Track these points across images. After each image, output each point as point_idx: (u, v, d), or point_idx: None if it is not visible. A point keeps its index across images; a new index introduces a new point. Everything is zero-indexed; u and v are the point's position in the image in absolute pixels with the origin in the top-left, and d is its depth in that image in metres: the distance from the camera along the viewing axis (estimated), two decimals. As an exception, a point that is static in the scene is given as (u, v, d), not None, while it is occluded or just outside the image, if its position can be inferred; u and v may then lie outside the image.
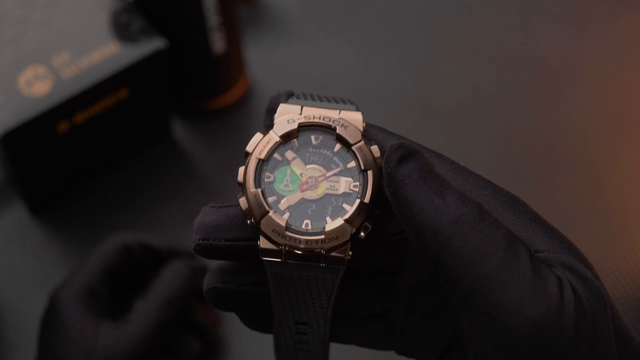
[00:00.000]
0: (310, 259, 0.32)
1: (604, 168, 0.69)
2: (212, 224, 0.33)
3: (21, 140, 0.60)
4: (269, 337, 0.61)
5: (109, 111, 0.64)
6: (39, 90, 0.61)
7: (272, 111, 0.34)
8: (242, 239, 0.33)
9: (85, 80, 0.61)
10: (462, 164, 0.33)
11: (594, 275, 0.30)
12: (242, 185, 0.32)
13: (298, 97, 0.34)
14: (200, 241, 0.33)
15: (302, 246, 0.31)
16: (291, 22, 0.78)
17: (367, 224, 0.32)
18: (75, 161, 0.67)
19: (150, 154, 0.70)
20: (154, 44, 0.63)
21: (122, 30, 0.63)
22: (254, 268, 0.34)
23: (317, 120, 0.33)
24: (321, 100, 0.34)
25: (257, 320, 0.37)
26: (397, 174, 0.30)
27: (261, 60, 0.75)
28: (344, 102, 0.34)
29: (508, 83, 0.74)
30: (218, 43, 0.67)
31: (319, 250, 0.31)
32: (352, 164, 0.33)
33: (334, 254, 0.32)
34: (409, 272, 0.34)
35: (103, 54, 0.62)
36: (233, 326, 0.62)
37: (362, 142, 0.32)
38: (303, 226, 0.32)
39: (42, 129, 0.61)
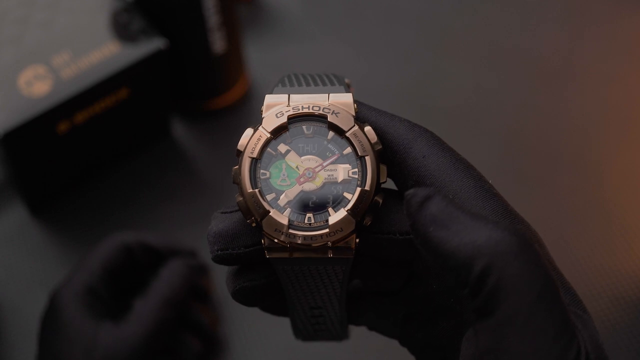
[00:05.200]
0: (318, 252, 0.31)
1: (604, 168, 0.69)
2: (228, 232, 0.32)
3: (21, 140, 0.60)
4: (269, 338, 0.61)
5: (109, 111, 0.64)
6: (39, 90, 0.61)
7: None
8: (260, 243, 0.32)
9: (85, 80, 0.61)
10: (490, 181, 0.32)
11: (589, 317, 0.30)
12: (239, 186, 0.32)
13: (284, 84, 0.33)
14: (219, 252, 0.32)
15: (302, 242, 0.31)
16: (291, 22, 0.78)
17: (371, 210, 0.31)
18: (75, 161, 0.67)
19: (150, 154, 0.70)
20: (154, 44, 0.63)
21: (122, 30, 0.63)
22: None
23: (306, 110, 0.32)
24: (307, 83, 0.33)
25: (271, 305, 0.36)
26: (421, 218, 0.29)
27: (261, 60, 0.75)
28: (332, 82, 0.33)
29: (508, 83, 0.74)
30: (218, 43, 0.67)
31: (324, 243, 0.31)
32: (348, 149, 0.32)
33: (340, 244, 0.31)
34: (423, 278, 0.33)
35: (103, 54, 0.62)
36: (233, 326, 0.62)
37: (355, 127, 0.32)
38: (306, 220, 0.31)
39: (42, 129, 0.61)
